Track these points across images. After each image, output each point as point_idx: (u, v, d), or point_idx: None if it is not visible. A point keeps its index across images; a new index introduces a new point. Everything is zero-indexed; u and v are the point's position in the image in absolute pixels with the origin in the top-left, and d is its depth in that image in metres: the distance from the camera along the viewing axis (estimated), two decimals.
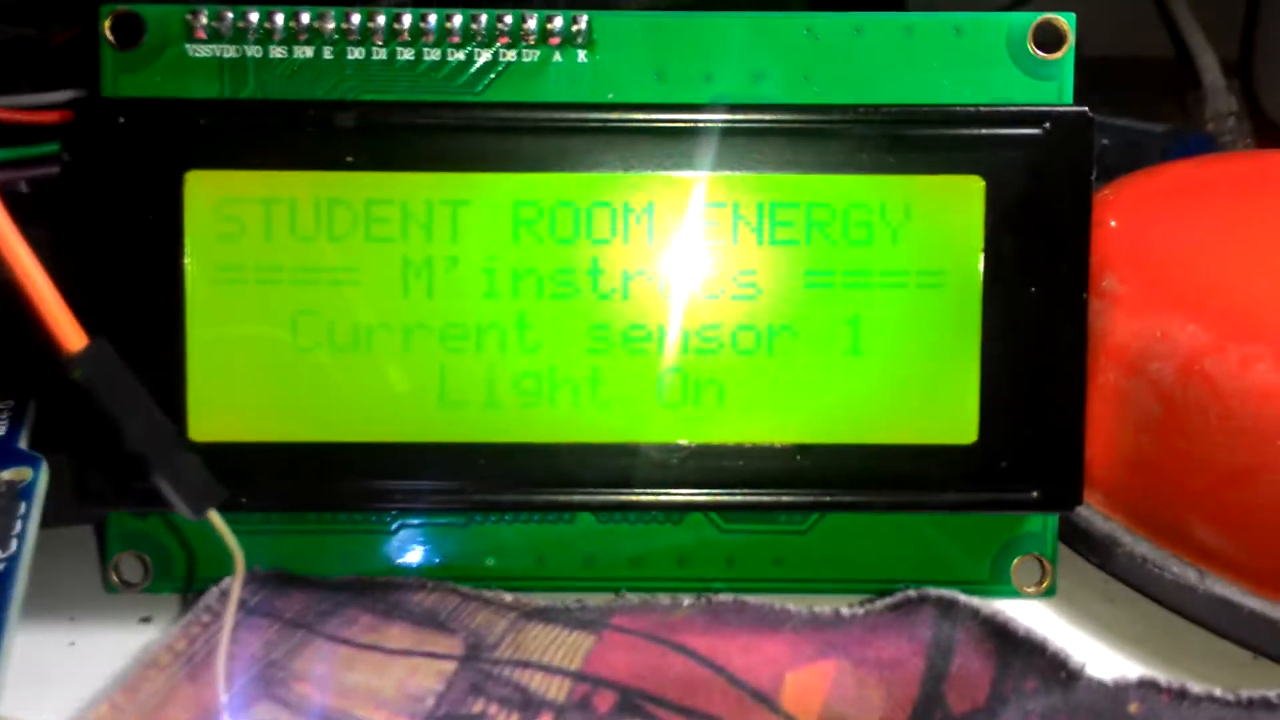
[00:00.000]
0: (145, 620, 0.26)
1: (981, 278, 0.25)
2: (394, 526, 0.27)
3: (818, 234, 0.25)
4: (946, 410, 0.25)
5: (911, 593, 0.23)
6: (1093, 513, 0.27)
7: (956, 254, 0.25)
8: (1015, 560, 0.27)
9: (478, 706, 0.22)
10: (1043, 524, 0.27)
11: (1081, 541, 0.27)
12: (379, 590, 0.26)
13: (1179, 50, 0.43)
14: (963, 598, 0.22)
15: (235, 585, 0.20)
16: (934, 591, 0.23)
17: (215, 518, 0.19)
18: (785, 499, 0.25)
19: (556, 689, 0.22)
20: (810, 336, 0.25)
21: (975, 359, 0.25)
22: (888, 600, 0.23)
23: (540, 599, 0.25)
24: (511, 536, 0.27)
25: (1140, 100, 0.42)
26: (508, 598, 0.26)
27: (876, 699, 0.21)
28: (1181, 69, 0.44)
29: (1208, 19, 0.43)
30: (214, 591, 0.25)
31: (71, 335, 0.19)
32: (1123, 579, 0.26)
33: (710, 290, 0.25)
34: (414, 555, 0.27)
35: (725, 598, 0.24)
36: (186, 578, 0.27)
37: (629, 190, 0.25)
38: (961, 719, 0.21)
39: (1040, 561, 0.27)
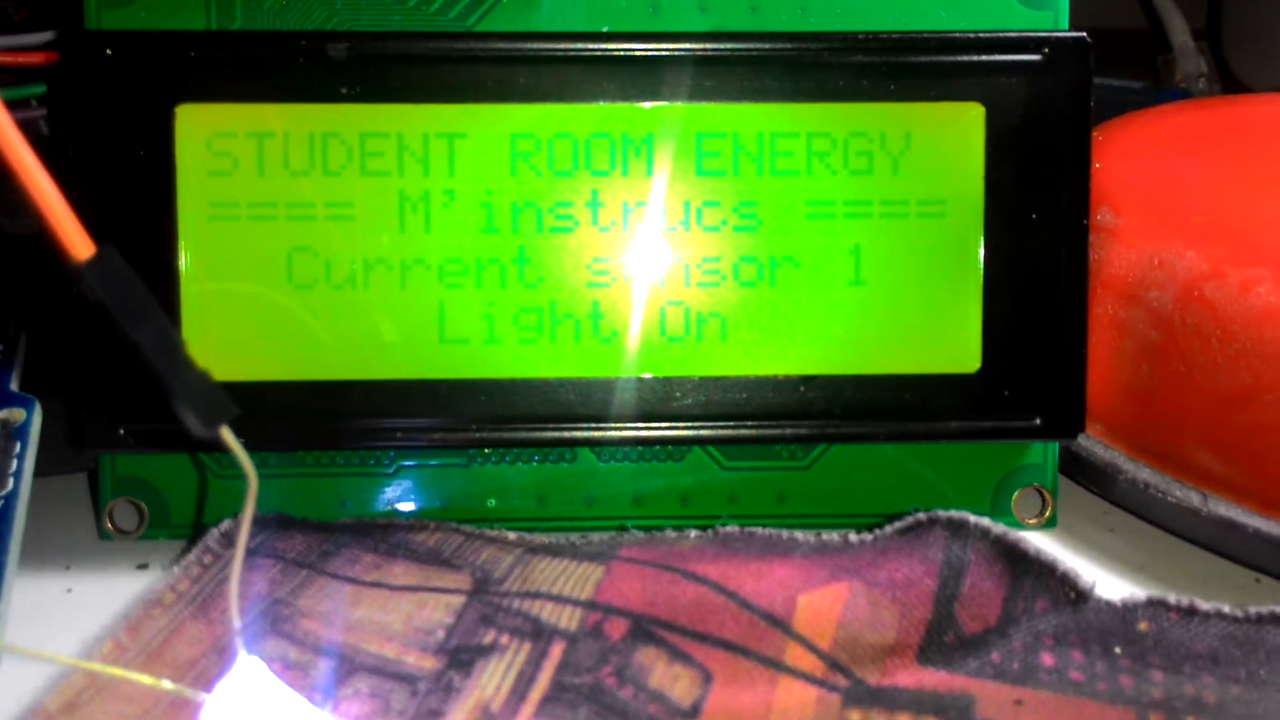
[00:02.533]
0: (142, 567, 0.26)
1: (983, 206, 0.25)
2: (392, 469, 0.27)
3: (818, 163, 0.25)
4: (949, 339, 0.25)
5: (921, 515, 0.23)
6: (1093, 442, 0.27)
7: (957, 182, 0.25)
8: (1016, 492, 0.27)
9: (489, 637, 0.22)
10: (1043, 454, 0.27)
11: (1082, 471, 0.27)
12: (380, 531, 0.26)
13: (1151, 22, 0.45)
14: (973, 519, 0.23)
15: (249, 503, 0.20)
16: (944, 514, 0.23)
17: (227, 434, 0.19)
18: (789, 431, 0.26)
19: (568, 618, 0.23)
20: (812, 267, 0.25)
21: (977, 287, 0.25)
22: (897, 525, 0.24)
23: (544, 537, 0.26)
24: (513, 477, 0.27)
25: (1114, 67, 0.43)
26: (511, 536, 0.26)
27: (890, 619, 0.22)
28: (1152, 37, 0.45)
29: None
30: (214, 533, 0.25)
31: (79, 243, 0.19)
32: (1124, 506, 0.27)
33: (711, 222, 0.25)
34: (414, 498, 0.27)
35: (732, 529, 0.25)
36: (180, 524, 0.27)
37: (627, 121, 0.25)
38: (973, 639, 0.22)
39: (1041, 493, 0.27)
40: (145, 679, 0.20)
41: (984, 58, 0.25)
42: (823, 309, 0.25)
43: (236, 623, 0.20)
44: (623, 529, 0.26)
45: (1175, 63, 0.44)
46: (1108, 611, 0.22)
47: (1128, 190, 0.28)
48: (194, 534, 0.27)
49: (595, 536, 0.25)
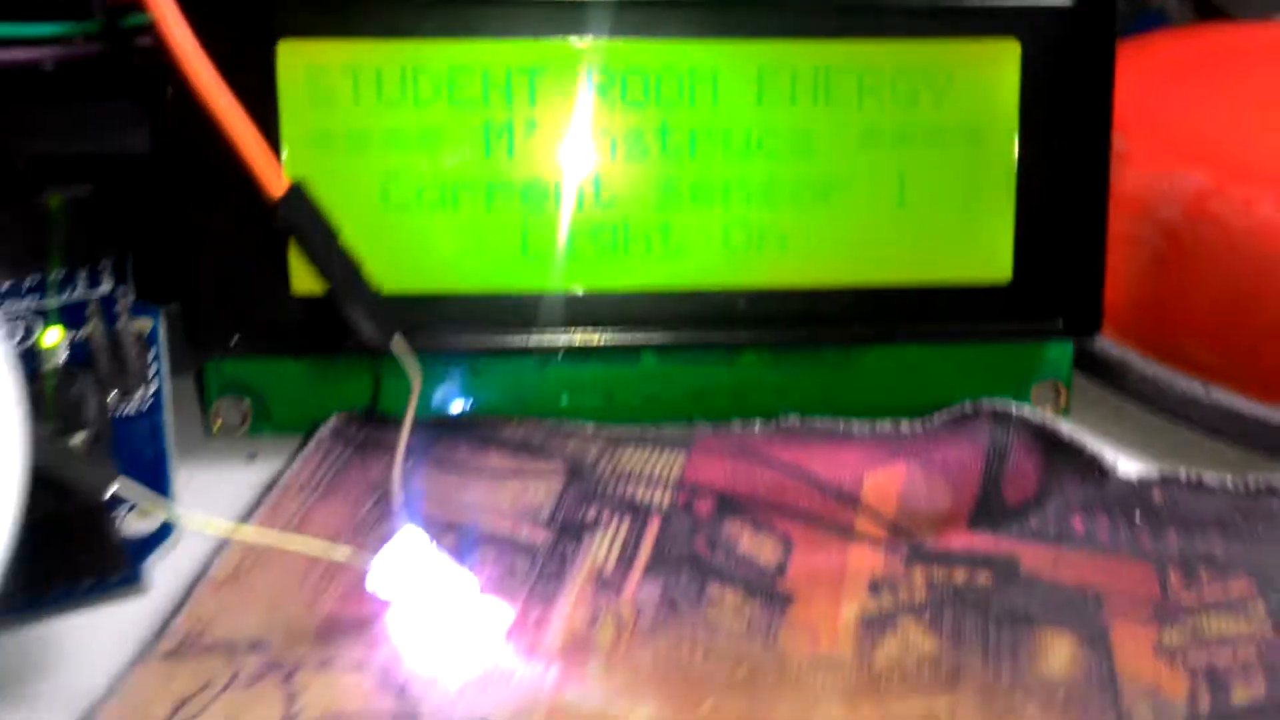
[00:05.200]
0: (251, 457, 0.30)
1: (1017, 133, 0.29)
2: (475, 372, 0.31)
3: (869, 97, 0.29)
4: (984, 253, 0.30)
5: (967, 406, 0.28)
6: (1105, 343, 0.32)
7: (994, 112, 0.29)
8: (1034, 387, 0.31)
9: (591, 514, 0.27)
10: (1060, 353, 0.31)
11: (1095, 369, 0.32)
12: (468, 426, 0.30)
13: None
14: (1014, 407, 0.27)
15: (413, 400, 0.24)
16: (988, 404, 0.27)
17: (399, 343, 0.23)
18: (840, 334, 0.30)
19: (660, 497, 0.27)
20: (862, 190, 0.29)
21: (1010, 207, 0.29)
22: (945, 414, 0.28)
23: (619, 429, 0.30)
24: (582, 377, 0.31)
25: None
26: (589, 429, 0.30)
27: (944, 493, 0.26)
28: None
29: None
30: (324, 428, 0.29)
31: (274, 181, 0.22)
32: (1133, 397, 0.31)
33: (772, 148, 0.29)
34: (495, 397, 0.31)
35: (793, 420, 0.29)
36: (281, 421, 0.31)
37: (695, 56, 0.29)
38: (1015, 510, 0.26)
39: (1057, 387, 0.32)
40: (321, 546, 0.24)
41: (1021, 1, 0.29)
42: (871, 227, 0.29)
43: (399, 494, 0.24)
44: (689, 421, 0.30)
45: None
46: (1126, 486, 0.27)
47: (1137, 117, 0.32)
48: (307, 430, 0.30)
49: (667, 429, 0.30)
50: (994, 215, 0.29)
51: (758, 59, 0.29)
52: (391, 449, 0.29)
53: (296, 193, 0.23)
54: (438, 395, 0.31)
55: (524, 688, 0.22)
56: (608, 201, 0.29)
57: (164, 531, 0.23)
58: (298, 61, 0.28)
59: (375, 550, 0.24)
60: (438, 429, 0.30)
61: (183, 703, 0.22)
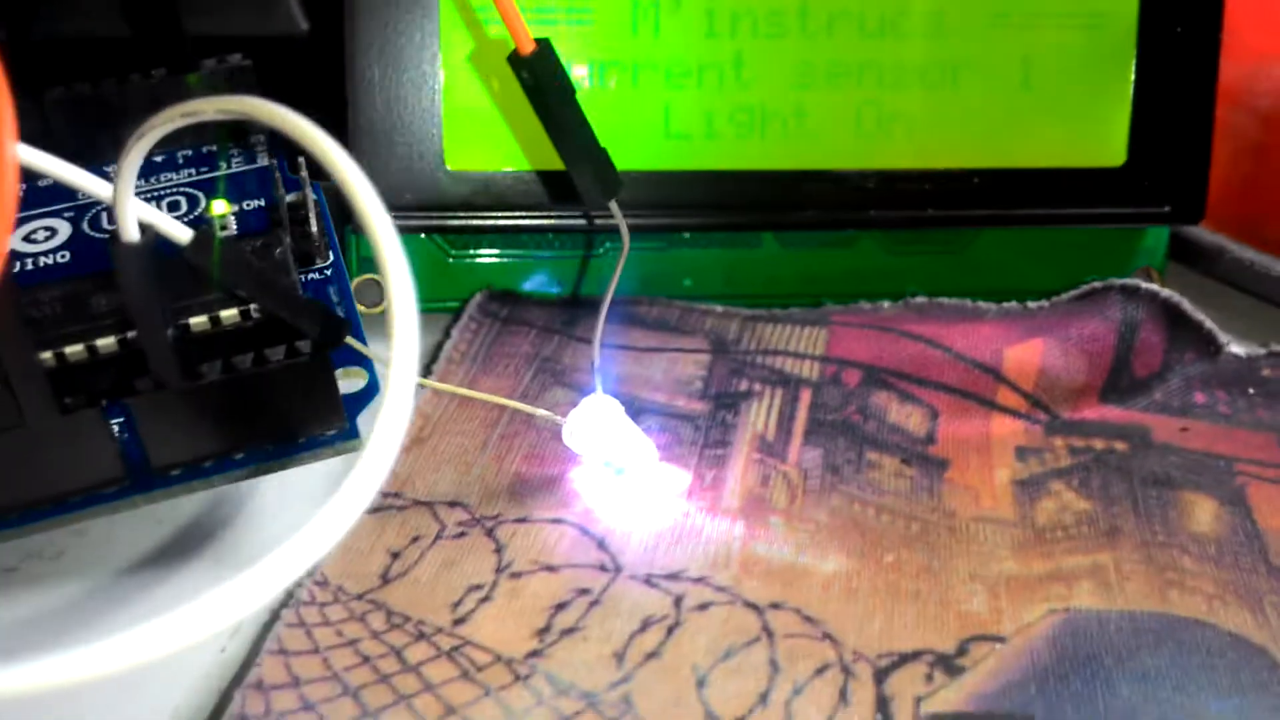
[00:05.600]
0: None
1: (1137, 19, 0.30)
2: (601, 250, 0.32)
3: None
4: (1100, 137, 0.31)
5: (1097, 284, 0.29)
6: (1201, 230, 0.33)
7: None
8: (1133, 270, 0.33)
9: (743, 385, 0.28)
10: (1156, 238, 0.33)
11: (1191, 254, 0.34)
12: (617, 304, 0.31)
13: None
14: (1143, 284, 0.29)
15: (619, 266, 0.25)
16: (1118, 281, 0.29)
17: (614, 206, 0.24)
18: (963, 217, 0.31)
19: (808, 369, 0.28)
20: (988, 71, 0.30)
21: (1128, 92, 0.31)
22: (1073, 292, 0.30)
23: (747, 310, 0.31)
24: (704, 259, 0.32)
25: None
26: (719, 309, 0.31)
27: (1080, 366, 0.28)
28: None
29: None
30: (473, 304, 0.30)
31: (524, 38, 0.23)
32: (1228, 281, 0.33)
33: (904, 31, 0.30)
34: (621, 277, 0.32)
35: (921, 299, 0.30)
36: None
37: None
38: (1142, 381, 0.28)
39: (1150, 272, 0.33)
40: (512, 403, 0.25)
41: None
42: (995, 109, 0.31)
43: (597, 360, 0.25)
44: (817, 302, 0.32)
45: None
46: (1237, 361, 0.29)
47: (1232, 8, 0.33)
48: (430, 306, 0.32)
49: (794, 309, 0.31)
50: (1112, 100, 0.31)
51: None
52: (530, 324, 0.30)
53: (546, 48, 0.24)
54: (563, 276, 0.32)
55: (715, 541, 0.24)
56: (746, 81, 0.30)
57: (370, 390, 0.24)
58: None
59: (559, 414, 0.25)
60: (575, 307, 0.31)
61: (397, 554, 0.24)
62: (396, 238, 0.15)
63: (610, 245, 0.32)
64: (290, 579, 0.14)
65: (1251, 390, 0.28)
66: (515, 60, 0.26)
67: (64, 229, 0.27)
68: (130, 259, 0.20)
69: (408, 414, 0.15)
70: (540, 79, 0.25)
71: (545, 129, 0.27)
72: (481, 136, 0.30)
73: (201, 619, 0.14)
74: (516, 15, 0.24)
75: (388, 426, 0.14)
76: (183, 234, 0.21)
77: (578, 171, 0.26)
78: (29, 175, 0.28)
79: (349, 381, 0.24)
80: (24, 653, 0.22)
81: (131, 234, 0.20)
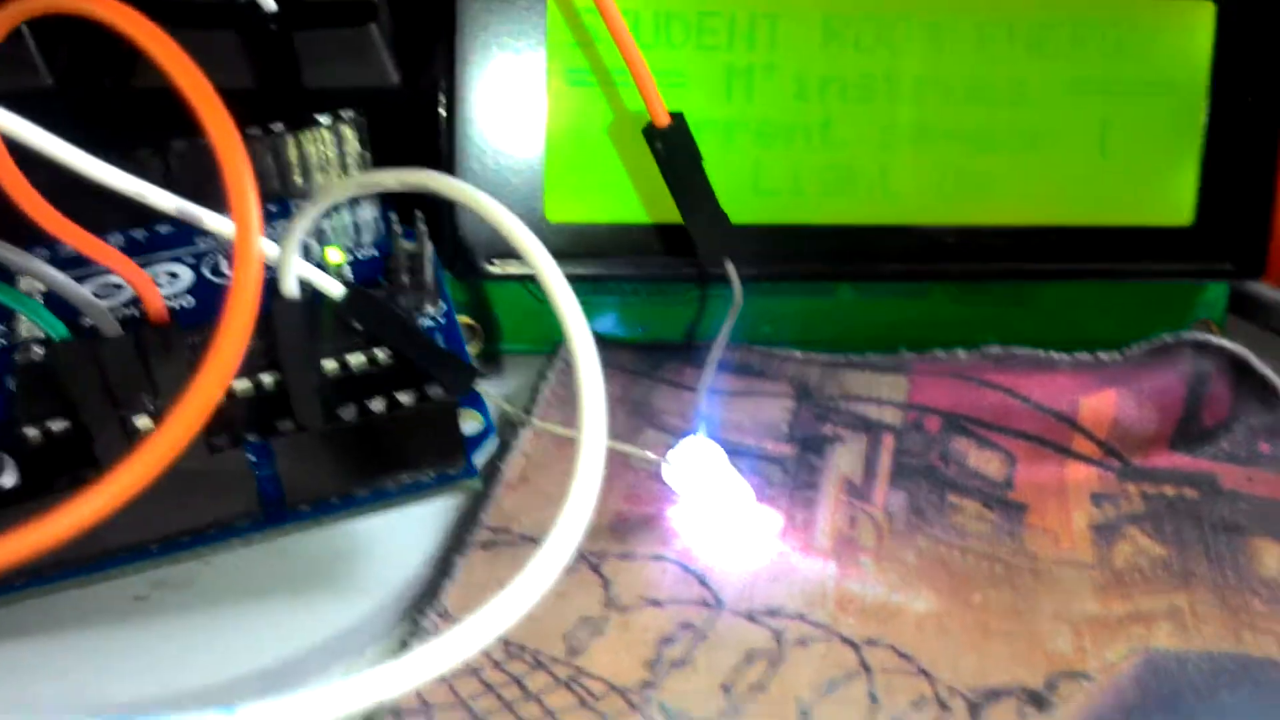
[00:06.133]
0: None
1: (1208, 88, 0.32)
2: (686, 297, 0.34)
3: (1079, 48, 0.32)
4: (1170, 198, 0.33)
5: (1168, 338, 0.31)
6: (1259, 285, 0.35)
7: (1189, 67, 0.32)
8: (1192, 323, 0.35)
9: (828, 429, 0.30)
10: (1216, 293, 0.35)
11: (1252, 309, 0.35)
12: (685, 350, 0.33)
13: None
14: (1213, 339, 0.30)
15: (731, 317, 0.27)
16: (1188, 335, 0.30)
17: (729, 265, 0.26)
18: (1037, 271, 0.33)
19: (891, 415, 0.30)
20: (1067, 136, 0.32)
21: (1197, 156, 0.32)
22: (1145, 346, 0.31)
23: (826, 356, 0.33)
24: (782, 308, 0.34)
25: None
26: (799, 355, 0.33)
27: (1151, 416, 0.29)
28: None
29: None
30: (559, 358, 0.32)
31: (660, 112, 0.25)
32: None
33: (986, 98, 0.32)
34: (707, 323, 0.34)
35: (995, 348, 0.32)
36: (509, 340, 0.33)
37: (921, 7, 0.31)
38: (1210, 431, 0.29)
39: (1209, 325, 0.35)
40: (623, 446, 0.27)
41: None
42: (1072, 171, 0.32)
43: (702, 403, 0.27)
44: (892, 350, 0.33)
45: None
46: None
47: None
48: (513, 349, 0.33)
49: (872, 356, 0.33)
50: (1182, 163, 0.32)
51: (980, 10, 0.31)
52: (620, 368, 0.32)
53: (680, 122, 0.26)
54: (648, 320, 0.34)
55: (810, 580, 0.25)
56: (835, 142, 0.32)
57: (486, 432, 0.26)
58: (565, 5, 0.31)
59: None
60: (660, 350, 0.33)
61: None
62: (578, 305, 0.16)
63: (693, 294, 0.34)
64: (482, 645, 0.16)
65: None
66: (650, 132, 0.28)
67: (186, 274, 0.29)
68: (289, 313, 0.21)
69: (598, 481, 0.16)
70: (674, 150, 0.27)
71: (671, 192, 0.28)
72: (580, 191, 0.31)
73: (402, 675, 0.15)
74: (654, 90, 0.26)
75: (581, 493, 0.16)
76: (335, 289, 0.23)
77: (698, 231, 0.28)
78: (151, 219, 0.30)
79: (466, 424, 0.26)
80: (151, 682, 0.24)
81: (292, 290, 0.21)
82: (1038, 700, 0.22)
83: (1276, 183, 0.33)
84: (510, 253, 0.31)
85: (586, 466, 0.16)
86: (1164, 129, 0.32)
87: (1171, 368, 0.30)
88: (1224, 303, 0.35)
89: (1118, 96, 0.32)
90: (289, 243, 0.21)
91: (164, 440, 0.15)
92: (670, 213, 0.31)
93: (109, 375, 0.22)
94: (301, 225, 0.20)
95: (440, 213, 0.31)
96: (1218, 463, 0.29)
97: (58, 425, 0.24)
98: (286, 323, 0.22)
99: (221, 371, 0.16)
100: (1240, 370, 0.30)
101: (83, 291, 0.23)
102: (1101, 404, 0.29)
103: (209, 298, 0.28)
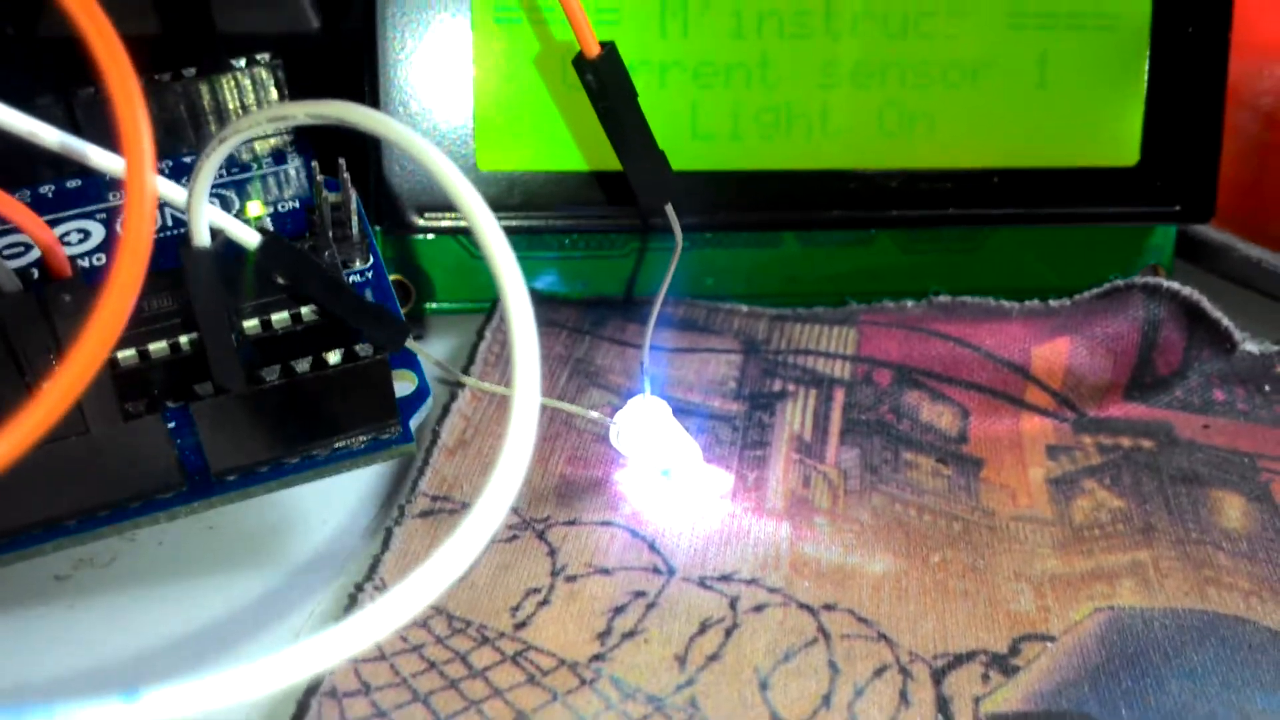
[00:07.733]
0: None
1: (1150, 21, 0.31)
2: (625, 251, 0.32)
3: None
4: (1114, 137, 0.32)
5: (1119, 282, 0.30)
6: (1207, 228, 0.34)
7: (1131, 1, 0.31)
8: (1140, 268, 0.34)
9: (777, 385, 0.29)
10: (1163, 237, 0.34)
11: (1197, 252, 0.35)
12: (626, 306, 0.31)
13: None
14: (1164, 282, 0.30)
15: (673, 265, 0.26)
16: (1139, 279, 0.30)
17: (669, 209, 0.25)
18: (981, 216, 0.32)
19: (840, 369, 0.29)
20: (1006, 71, 0.31)
21: (1141, 93, 0.32)
22: (1096, 290, 0.30)
23: (772, 309, 0.32)
24: (725, 260, 0.33)
25: None
26: (744, 308, 0.32)
27: (1104, 365, 0.29)
28: None
29: None
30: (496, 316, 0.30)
31: (590, 41, 0.24)
32: (1232, 278, 0.34)
33: (925, 31, 0.31)
34: (648, 277, 0.33)
35: (944, 298, 0.31)
36: (443, 299, 0.32)
37: None
38: (1164, 379, 0.29)
39: (1157, 270, 0.34)
40: (562, 405, 0.26)
41: None
42: (1013, 109, 0.31)
43: (647, 361, 0.25)
44: (840, 302, 0.32)
45: None
46: (1251, 359, 0.30)
47: (1238, 12, 0.34)
48: (443, 308, 0.32)
49: (819, 309, 0.32)
50: (1125, 100, 0.32)
51: None
52: (560, 325, 0.31)
53: (611, 51, 0.25)
54: (587, 276, 0.32)
55: (763, 543, 0.24)
56: (772, 82, 0.31)
57: (422, 394, 0.25)
58: None
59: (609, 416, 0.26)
60: (600, 306, 0.31)
61: None
62: (514, 258, 0.15)
63: (633, 246, 0.32)
64: (412, 614, 0.14)
65: (1267, 387, 0.29)
66: (580, 63, 0.26)
67: (97, 231, 0.27)
68: (201, 264, 0.20)
69: (531, 441, 0.15)
70: (606, 82, 0.26)
71: (605, 131, 0.27)
72: (512, 137, 0.30)
73: (324, 651, 0.14)
74: (583, 18, 0.24)
75: (513, 455, 0.15)
76: (251, 238, 0.21)
77: (636, 174, 0.26)
78: (58, 175, 0.28)
79: (400, 385, 0.25)
80: (73, 663, 0.22)
81: (203, 239, 0.20)
82: (1002, 664, 0.22)
83: (1223, 121, 0.32)
84: (441, 205, 0.30)
85: (520, 421, 0.15)
86: (1106, 63, 0.31)
87: (1123, 313, 0.29)
88: (1171, 247, 0.34)
89: (1057, 30, 0.31)
90: (198, 184, 0.19)
91: (45, 404, 0.14)
92: (608, 159, 0.30)
93: (8, 333, 0.21)
94: (209, 164, 0.19)
95: (366, 162, 0.30)
96: (1172, 411, 0.28)
97: None
98: (200, 276, 0.20)
99: (109, 325, 0.14)
100: (1193, 315, 0.29)
101: None
102: (1054, 353, 0.28)
103: None
